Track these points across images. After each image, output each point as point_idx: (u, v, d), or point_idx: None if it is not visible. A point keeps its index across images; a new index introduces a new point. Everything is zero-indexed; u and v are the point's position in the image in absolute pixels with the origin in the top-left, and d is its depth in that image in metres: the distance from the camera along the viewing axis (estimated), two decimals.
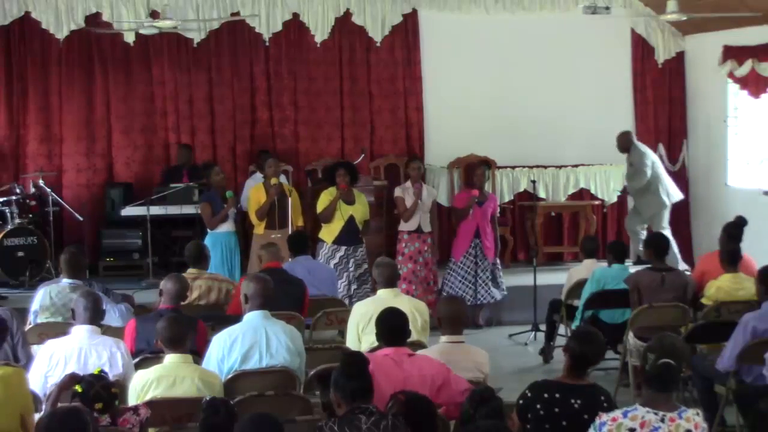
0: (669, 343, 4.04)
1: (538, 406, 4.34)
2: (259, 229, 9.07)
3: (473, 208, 9.41)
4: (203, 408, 4.05)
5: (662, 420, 3.93)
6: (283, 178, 10.87)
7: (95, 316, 5.48)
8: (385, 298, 6.18)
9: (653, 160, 10.94)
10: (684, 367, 4.01)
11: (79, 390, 4.33)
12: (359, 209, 8.93)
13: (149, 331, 5.66)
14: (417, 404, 4.23)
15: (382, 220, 10.17)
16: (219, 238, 9.00)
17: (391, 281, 6.29)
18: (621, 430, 3.94)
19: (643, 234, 10.92)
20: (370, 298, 6.40)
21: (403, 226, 9.49)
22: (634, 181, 10.88)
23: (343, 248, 8.85)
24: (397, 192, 9.50)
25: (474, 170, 9.69)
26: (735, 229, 8.02)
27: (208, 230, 9.13)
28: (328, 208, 8.82)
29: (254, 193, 9.15)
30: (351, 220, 8.87)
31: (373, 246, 9.65)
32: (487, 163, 10.01)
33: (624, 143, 10.95)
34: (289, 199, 9.03)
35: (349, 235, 8.87)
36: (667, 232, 10.90)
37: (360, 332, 6.10)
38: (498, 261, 9.75)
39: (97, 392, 4.31)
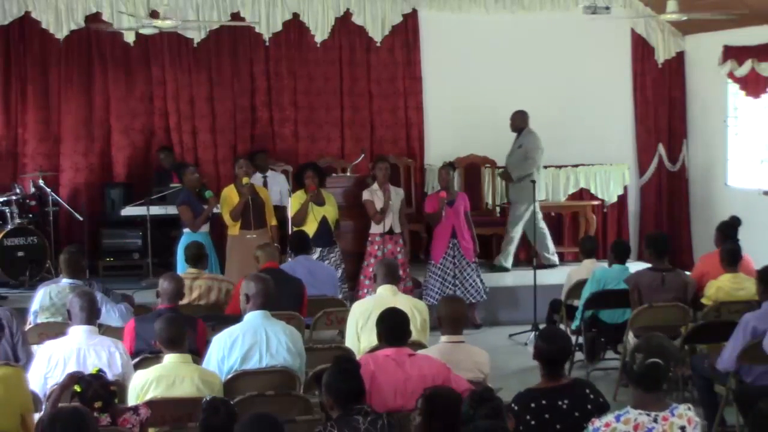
0: (656, 343, 4.03)
1: (528, 417, 4.33)
2: (234, 230, 8.97)
3: (445, 209, 9.42)
4: (203, 408, 4.05)
5: (655, 420, 3.93)
6: (283, 178, 10.90)
7: (91, 316, 5.47)
8: (384, 295, 6.18)
9: (543, 149, 10.80)
10: (672, 367, 4.01)
11: (78, 390, 4.33)
12: (330, 210, 9.02)
13: (148, 331, 5.66)
14: (444, 399, 4.18)
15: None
16: (197, 238, 8.85)
17: (390, 277, 6.29)
18: None
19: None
20: (370, 296, 6.40)
21: (375, 229, 9.42)
22: (521, 168, 10.65)
23: (318, 250, 8.88)
24: (366, 195, 9.42)
25: (438, 172, 9.69)
26: (729, 229, 8.02)
27: (185, 231, 8.94)
28: (300, 211, 8.87)
29: (228, 194, 9.06)
30: (324, 221, 8.94)
31: (351, 247, 9.64)
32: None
33: (518, 123, 10.85)
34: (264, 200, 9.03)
35: (322, 237, 8.93)
36: (545, 228, 10.92)
37: (359, 330, 6.10)
38: (476, 262, 9.71)
39: (95, 391, 4.32)
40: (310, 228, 8.88)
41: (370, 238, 9.47)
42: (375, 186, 9.40)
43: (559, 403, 4.34)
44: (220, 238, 9.42)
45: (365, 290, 9.05)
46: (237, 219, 8.92)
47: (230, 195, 8.99)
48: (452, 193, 9.54)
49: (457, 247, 9.50)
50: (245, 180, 8.92)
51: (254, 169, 10.58)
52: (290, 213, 9.01)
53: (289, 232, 8.98)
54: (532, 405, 4.35)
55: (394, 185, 9.87)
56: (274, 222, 9.19)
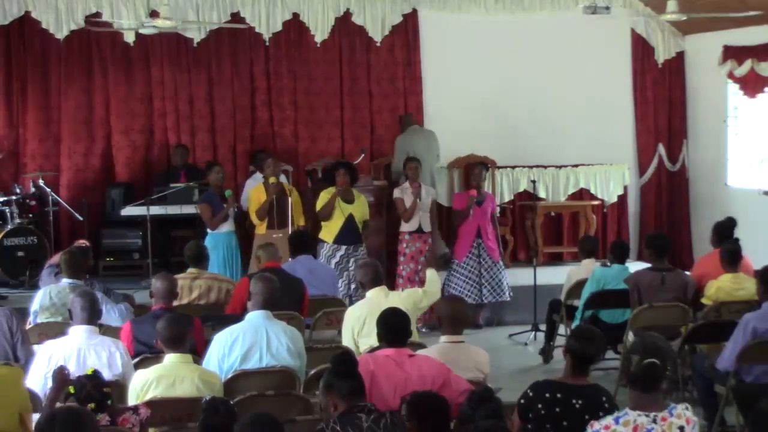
0: (651, 343, 4.02)
1: (540, 405, 4.34)
2: (261, 228, 9.11)
3: (473, 208, 9.44)
4: (203, 408, 4.04)
5: (654, 421, 3.93)
6: (282, 178, 10.89)
7: (92, 316, 5.48)
8: (375, 298, 6.14)
9: (410, 150, 10.41)
10: (669, 366, 3.99)
11: (72, 391, 4.33)
12: (358, 208, 8.97)
13: (145, 332, 5.67)
14: (426, 402, 4.20)
15: (383, 221, 10.18)
16: (220, 238, 9.01)
17: (377, 280, 6.26)
18: None
19: None
20: (362, 300, 6.38)
21: (404, 227, 9.52)
22: (394, 171, 10.65)
23: (344, 247, 8.89)
24: (396, 193, 9.53)
25: (471, 170, 9.71)
26: (725, 230, 8.02)
27: (209, 231, 9.13)
28: (327, 205, 8.86)
29: (255, 193, 9.18)
30: (351, 219, 8.91)
31: (374, 246, 9.67)
32: (484, 164, 10.04)
33: (401, 127, 10.93)
34: (289, 198, 9.05)
35: (349, 235, 8.89)
36: None
37: (355, 336, 6.07)
38: (501, 262, 9.76)
39: (88, 393, 4.30)
40: (336, 224, 8.90)
41: (400, 237, 9.53)
42: (406, 184, 9.48)
43: (573, 401, 4.34)
44: (246, 237, 9.48)
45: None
46: (262, 218, 9.03)
47: (257, 194, 9.07)
48: (482, 192, 9.56)
49: (482, 247, 9.52)
50: (272, 179, 8.99)
51: (256, 168, 10.65)
52: (317, 207, 9.02)
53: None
54: (547, 395, 4.35)
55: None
56: (302, 222, 9.21)
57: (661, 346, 4.02)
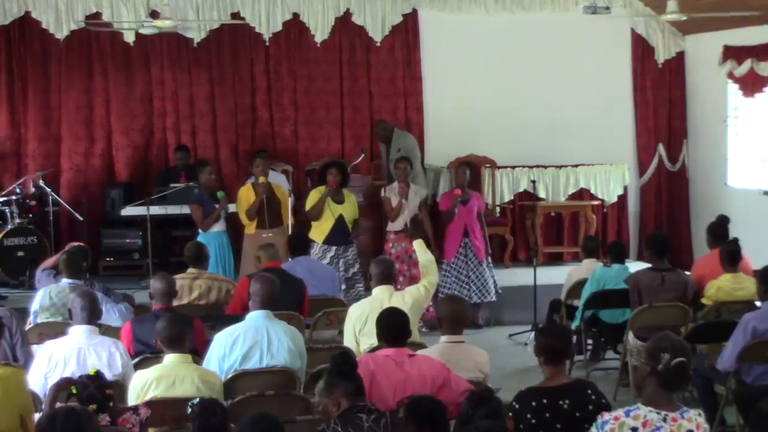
0: (678, 341, 4.00)
1: (528, 415, 4.33)
2: (250, 228, 9.04)
3: (458, 207, 9.45)
4: (196, 412, 3.96)
5: (664, 419, 3.91)
6: (283, 178, 10.89)
7: (92, 316, 5.48)
8: (379, 297, 6.13)
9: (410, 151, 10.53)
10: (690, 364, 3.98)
11: (74, 391, 4.32)
12: (348, 208, 8.97)
13: (146, 332, 5.67)
14: (423, 406, 4.20)
15: (382, 221, 10.17)
16: (211, 238, 8.93)
17: (385, 278, 6.25)
18: (623, 429, 3.92)
19: None
20: (366, 298, 6.38)
21: (390, 226, 9.50)
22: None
23: (334, 248, 8.88)
24: (384, 192, 9.53)
25: (455, 170, 9.73)
26: (719, 229, 8.01)
27: (200, 231, 9.08)
28: (316, 206, 8.86)
29: (244, 193, 9.11)
30: (341, 220, 8.91)
31: (364, 246, 9.68)
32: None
33: (385, 133, 10.83)
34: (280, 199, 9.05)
35: (339, 235, 8.89)
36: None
37: (357, 334, 6.07)
38: (489, 260, 9.74)
39: (90, 393, 4.30)
40: (326, 225, 8.88)
41: (386, 236, 9.53)
42: (395, 184, 9.46)
43: (560, 402, 4.34)
44: (239, 237, 9.47)
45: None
46: (252, 218, 8.98)
47: (246, 194, 9.05)
48: (467, 192, 9.58)
49: (469, 246, 9.53)
50: (261, 179, 8.97)
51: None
52: (306, 207, 9.01)
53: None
54: (533, 403, 4.34)
55: None
56: (289, 221, 9.19)
57: (685, 345, 4.01)
